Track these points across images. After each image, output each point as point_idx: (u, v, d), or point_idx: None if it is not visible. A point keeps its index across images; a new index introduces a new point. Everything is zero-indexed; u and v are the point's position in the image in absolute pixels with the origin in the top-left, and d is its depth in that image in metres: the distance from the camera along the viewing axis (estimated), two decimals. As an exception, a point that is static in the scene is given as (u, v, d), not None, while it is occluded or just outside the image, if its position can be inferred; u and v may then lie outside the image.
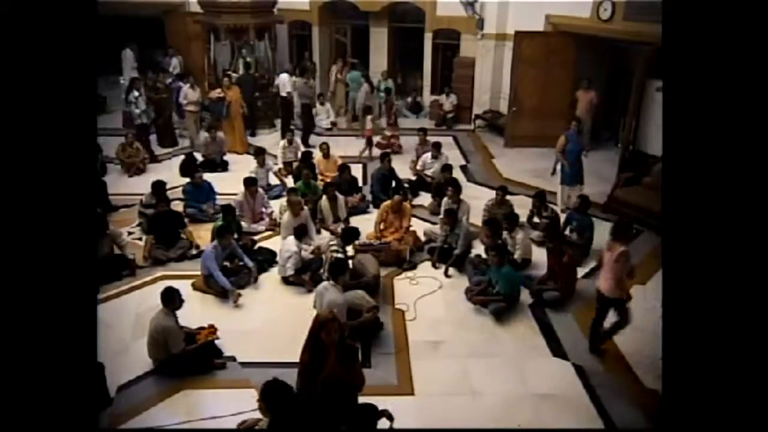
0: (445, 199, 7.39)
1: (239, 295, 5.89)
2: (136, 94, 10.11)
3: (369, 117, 10.54)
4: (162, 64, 13.41)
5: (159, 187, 7.29)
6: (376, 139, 10.66)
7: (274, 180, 8.86)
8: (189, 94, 10.66)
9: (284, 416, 2.99)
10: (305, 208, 7.12)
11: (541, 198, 7.37)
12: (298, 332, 5.43)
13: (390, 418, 3.80)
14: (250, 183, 7.54)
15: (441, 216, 7.15)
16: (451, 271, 6.51)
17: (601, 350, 5.21)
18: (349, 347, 3.68)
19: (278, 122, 12.01)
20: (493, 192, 7.56)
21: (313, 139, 11.08)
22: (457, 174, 9.12)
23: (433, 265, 6.65)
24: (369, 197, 8.42)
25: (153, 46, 15.51)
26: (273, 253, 6.70)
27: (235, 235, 6.56)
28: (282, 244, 6.41)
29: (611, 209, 8.11)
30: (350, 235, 6.34)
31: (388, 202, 7.22)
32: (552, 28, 10.68)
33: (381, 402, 4.19)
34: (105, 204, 7.86)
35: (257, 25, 11.81)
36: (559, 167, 8.30)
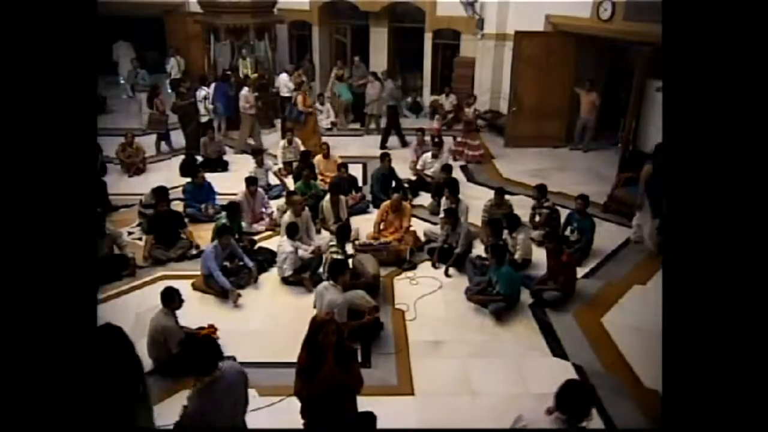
0: (444, 199, 7.39)
1: (239, 295, 5.89)
2: (204, 92, 10.41)
3: (437, 116, 10.54)
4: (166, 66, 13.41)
5: (161, 192, 7.25)
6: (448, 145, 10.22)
7: (273, 180, 8.87)
8: (249, 97, 10.69)
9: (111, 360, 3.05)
10: (306, 208, 7.13)
11: (541, 190, 7.36)
12: (298, 332, 5.41)
13: None
14: (250, 183, 7.55)
15: (441, 216, 7.17)
16: (451, 271, 6.50)
17: None
18: (347, 349, 3.67)
19: (278, 122, 12.01)
20: (493, 192, 7.57)
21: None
22: (457, 174, 9.12)
23: (433, 265, 6.64)
24: (369, 197, 8.42)
25: (153, 47, 15.57)
26: (273, 253, 6.69)
27: (236, 235, 6.55)
28: (278, 245, 6.40)
29: (611, 209, 8.12)
30: (343, 232, 6.34)
31: (387, 202, 7.23)
32: (552, 28, 10.68)
33: (381, 402, 4.19)
34: (105, 204, 7.86)
35: (257, 25, 11.81)
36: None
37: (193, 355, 3.11)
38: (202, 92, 10.54)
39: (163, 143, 10.72)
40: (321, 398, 3.51)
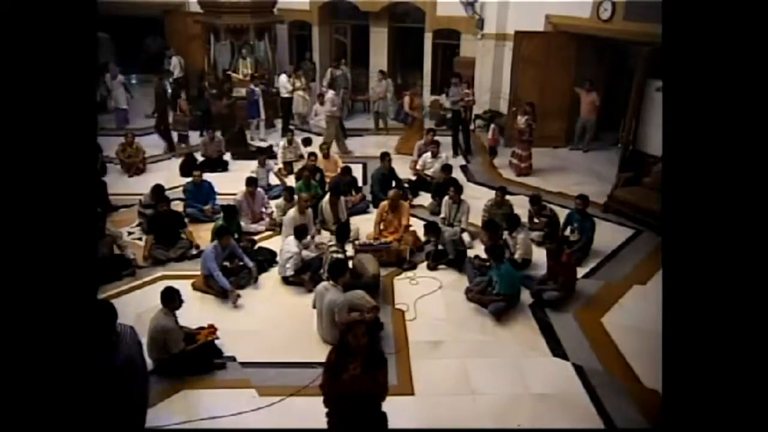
0: (446, 198, 7.39)
1: (238, 296, 5.88)
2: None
3: (492, 125, 10.20)
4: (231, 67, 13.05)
5: (158, 191, 7.28)
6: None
7: (274, 180, 8.88)
8: (335, 99, 10.69)
9: None
10: (309, 208, 7.15)
11: (535, 201, 7.34)
12: (297, 332, 5.46)
13: None
14: (250, 183, 7.56)
15: (444, 216, 7.25)
16: (452, 271, 6.50)
17: None
18: (377, 355, 3.60)
19: (278, 122, 12.02)
20: (493, 192, 7.57)
21: (313, 140, 11.03)
22: (457, 174, 9.13)
23: (429, 268, 6.63)
24: (369, 197, 8.42)
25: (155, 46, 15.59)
26: (273, 253, 6.70)
27: (235, 236, 6.55)
28: (282, 244, 6.41)
29: (611, 209, 8.12)
30: (343, 231, 6.34)
31: (385, 202, 7.23)
32: (552, 28, 10.68)
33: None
34: (105, 204, 7.86)
35: (257, 25, 11.82)
36: None
37: (92, 322, 3.11)
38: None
39: (182, 144, 10.74)
40: (343, 398, 3.49)
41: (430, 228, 6.80)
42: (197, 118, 11.27)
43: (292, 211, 6.90)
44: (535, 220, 7.33)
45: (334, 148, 10.14)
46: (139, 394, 3.40)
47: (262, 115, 11.36)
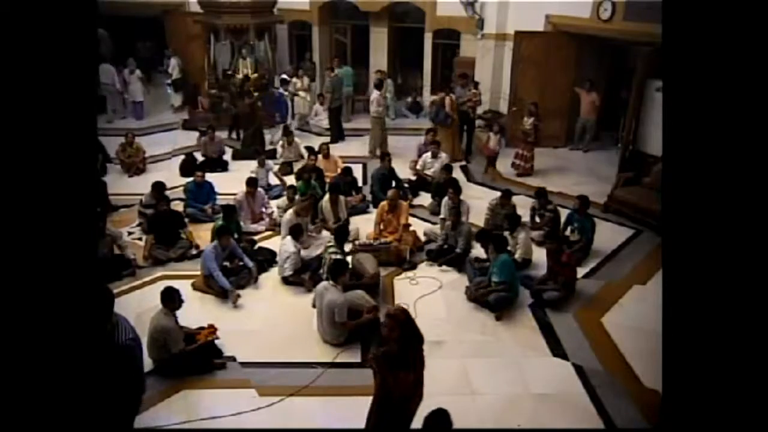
0: (446, 199, 7.39)
1: (238, 296, 5.88)
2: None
3: (491, 133, 9.76)
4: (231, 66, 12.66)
5: (159, 188, 7.30)
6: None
7: (274, 180, 8.88)
8: (380, 101, 10.52)
9: None
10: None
11: (541, 194, 7.36)
12: (297, 332, 5.46)
13: None
14: (250, 183, 7.57)
15: (441, 216, 7.20)
16: (452, 271, 6.50)
17: None
18: (401, 355, 3.52)
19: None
20: (493, 192, 7.58)
21: (314, 140, 11.03)
22: (458, 174, 9.13)
23: (438, 264, 6.60)
24: (369, 197, 8.43)
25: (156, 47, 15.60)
26: (273, 253, 6.70)
27: (235, 236, 6.56)
28: (281, 244, 6.41)
29: (611, 209, 8.12)
30: (341, 233, 6.34)
31: (384, 202, 7.23)
32: (552, 28, 10.67)
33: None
34: (105, 204, 7.86)
35: (257, 25, 11.80)
36: None
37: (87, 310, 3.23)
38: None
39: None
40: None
41: (454, 212, 6.77)
42: (230, 119, 11.22)
43: (290, 212, 6.90)
44: (537, 219, 7.34)
45: (335, 149, 10.11)
46: (140, 366, 3.84)
47: (290, 118, 11.24)
